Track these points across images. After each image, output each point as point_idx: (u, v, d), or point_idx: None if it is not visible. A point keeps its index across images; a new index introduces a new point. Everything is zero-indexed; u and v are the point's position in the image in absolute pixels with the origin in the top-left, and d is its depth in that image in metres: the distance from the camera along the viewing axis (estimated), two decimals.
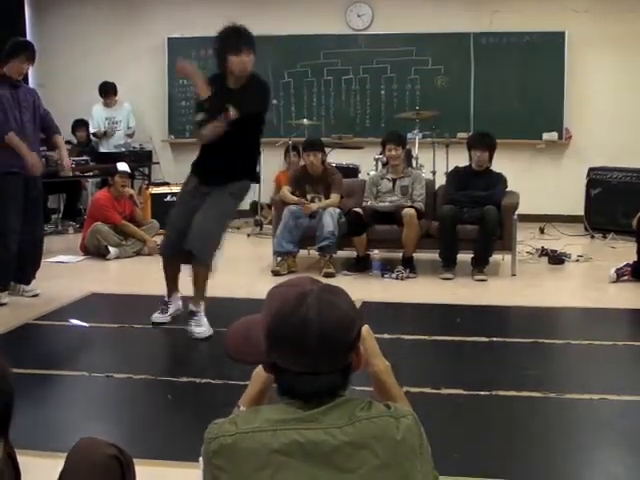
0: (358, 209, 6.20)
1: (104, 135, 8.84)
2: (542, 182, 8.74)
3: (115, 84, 8.85)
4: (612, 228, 7.63)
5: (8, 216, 5.05)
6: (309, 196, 6.48)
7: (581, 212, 8.10)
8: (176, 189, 8.43)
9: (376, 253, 6.38)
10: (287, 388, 1.41)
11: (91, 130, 8.96)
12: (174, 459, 2.74)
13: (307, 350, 1.36)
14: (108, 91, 8.81)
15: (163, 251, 4.61)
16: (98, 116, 8.90)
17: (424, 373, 3.78)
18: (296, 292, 1.41)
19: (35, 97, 5.31)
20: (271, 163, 9.06)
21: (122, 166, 7.27)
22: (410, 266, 6.11)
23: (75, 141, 9.06)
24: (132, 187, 8.85)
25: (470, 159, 6.31)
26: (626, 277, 5.76)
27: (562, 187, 8.66)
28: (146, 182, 8.95)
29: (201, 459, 1.45)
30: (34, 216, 5.29)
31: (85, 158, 8.31)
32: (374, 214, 6.18)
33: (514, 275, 6.11)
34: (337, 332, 1.38)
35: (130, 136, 9.06)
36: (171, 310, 4.63)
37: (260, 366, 1.68)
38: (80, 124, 9.01)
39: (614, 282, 5.77)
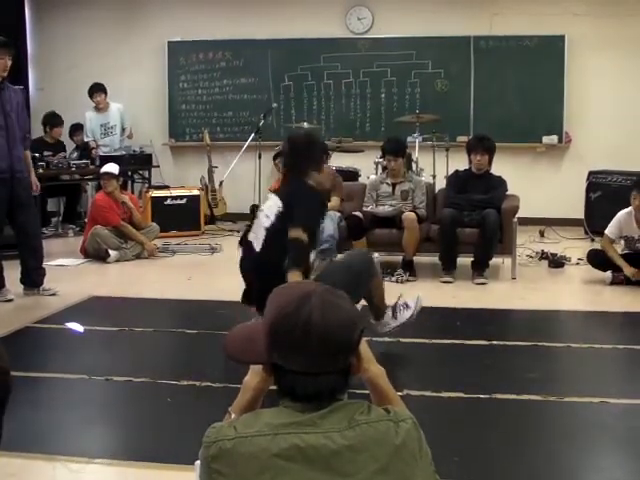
0: (358, 213, 6.21)
1: (96, 147, 8.79)
2: (542, 185, 8.75)
3: (102, 84, 8.66)
4: None
5: None
6: None
7: (581, 215, 8.10)
8: (176, 192, 8.47)
9: (376, 256, 6.36)
10: (287, 389, 1.41)
11: (85, 139, 8.88)
12: (173, 462, 2.74)
13: (309, 350, 1.36)
14: (94, 90, 8.61)
15: None
16: (92, 124, 8.75)
17: (424, 376, 3.78)
18: (299, 292, 1.42)
19: (20, 98, 5.32)
20: (270, 167, 9.09)
21: (108, 167, 7.19)
22: (410, 269, 6.11)
23: (73, 145, 9.06)
24: (132, 189, 8.87)
25: (470, 162, 6.32)
26: (622, 278, 5.80)
27: (562, 190, 8.67)
28: (146, 185, 8.95)
29: (197, 462, 1.45)
30: (26, 219, 5.31)
31: (85, 161, 8.31)
32: (374, 218, 6.18)
33: (514, 278, 6.11)
34: (340, 333, 1.39)
35: (129, 137, 9.01)
36: None
37: (250, 374, 1.68)
38: (78, 128, 8.99)
39: (610, 284, 5.81)
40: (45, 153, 8.10)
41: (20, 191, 5.24)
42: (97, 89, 8.65)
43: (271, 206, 3.77)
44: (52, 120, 8.56)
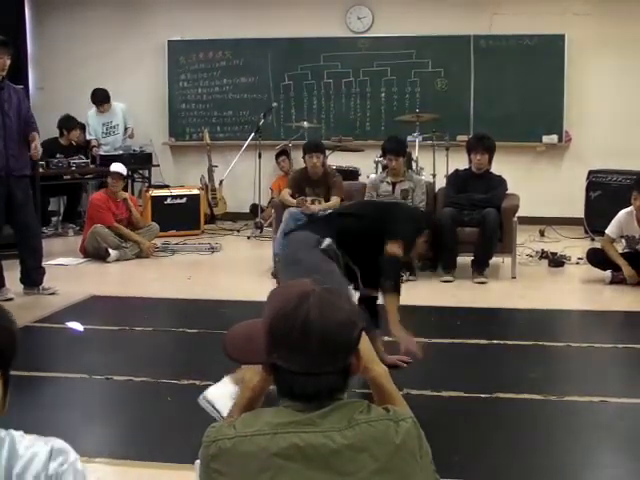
0: None
1: (97, 146, 8.78)
2: (542, 185, 8.74)
3: (106, 90, 8.69)
4: None
5: None
6: (309, 199, 6.49)
7: (581, 215, 8.10)
8: (176, 191, 8.47)
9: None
10: (287, 389, 1.41)
11: (87, 137, 8.90)
12: (173, 461, 2.74)
13: (308, 349, 1.36)
14: (100, 100, 8.65)
15: None
16: (94, 123, 8.79)
17: (424, 376, 3.77)
18: (298, 292, 1.41)
19: (20, 97, 5.30)
20: (270, 166, 9.09)
21: (116, 167, 7.22)
22: (410, 269, 6.10)
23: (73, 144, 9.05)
24: (131, 188, 8.87)
25: (470, 162, 6.32)
26: (622, 277, 5.81)
27: (562, 190, 8.66)
28: (146, 185, 8.95)
29: (197, 462, 1.45)
30: (25, 218, 5.30)
31: (85, 160, 8.31)
32: None
33: (514, 278, 6.11)
34: (339, 333, 1.38)
35: (130, 136, 9.01)
36: None
37: (249, 375, 1.68)
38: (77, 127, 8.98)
39: (610, 283, 5.81)
40: (57, 155, 8.10)
41: (17, 190, 5.23)
42: (102, 99, 8.63)
43: None
44: (68, 123, 8.55)
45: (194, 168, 9.36)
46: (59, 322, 4.72)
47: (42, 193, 7.30)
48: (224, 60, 9.44)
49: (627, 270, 5.78)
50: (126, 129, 8.90)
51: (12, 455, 1.23)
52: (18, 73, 8.13)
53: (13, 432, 1.28)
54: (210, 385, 3.60)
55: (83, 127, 8.96)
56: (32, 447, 1.26)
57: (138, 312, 5.15)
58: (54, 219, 8.74)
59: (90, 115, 8.78)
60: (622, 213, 5.95)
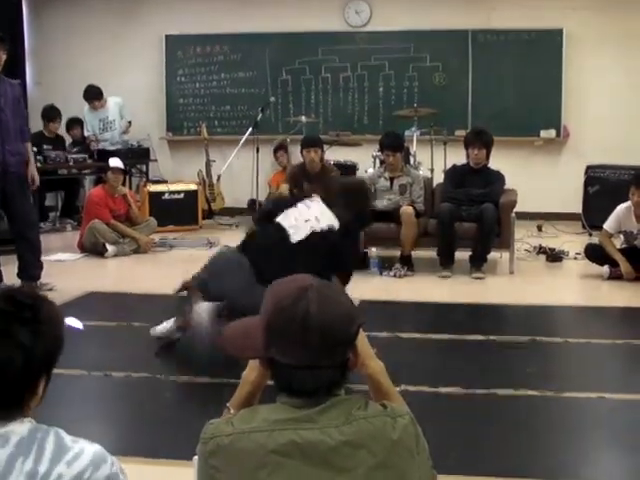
0: None
1: (95, 141, 8.77)
2: (540, 180, 8.74)
3: (99, 87, 8.64)
4: None
5: None
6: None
7: (579, 210, 8.11)
8: (174, 187, 8.46)
9: (374, 251, 6.38)
10: (285, 383, 1.41)
11: (85, 133, 8.89)
12: (171, 458, 2.74)
13: (307, 344, 1.36)
14: (92, 97, 8.60)
15: None
16: (90, 119, 8.77)
17: (421, 371, 3.78)
18: (296, 286, 1.41)
19: (17, 92, 5.28)
20: (268, 161, 9.09)
21: (114, 162, 7.20)
22: (408, 264, 6.11)
23: (70, 139, 9.04)
24: (129, 183, 8.85)
25: (467, 157, 6.31)
26: (619, 272, 5.81)
27: (560, 185, 8.67)
28: (144, 180, 8.94)
29: (195, 458, 1.45)
30: (22, 213, 5.29)
31: (83, 155, 8.29)
32: (372, 212, 6.17)
33: (512, 273, 6.11)
34: (337, 327, 1.38)
35: (125, 132, 8.98)
36: None
37: (249, 369, 1.68)
38: (74, 122, 8.96)
39: (607, 279, 5.81)
40: (45, 147, 8.08)
41: (13, 186, 5.21)
42: (94, 96, 8.58)
43: (324, 214, 3.87)
44: (48, 114, 8.54)
45: (192, 163, 9.34)
46: None
47: (39, 188, 7.28)
48: (222, 55, 9.42)
49: (625, 266, 5.79)
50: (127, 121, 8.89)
51: (59, 445, 1.37)
52: (15, 68, 8.11)
53: (55, 428, 1.37)
54: (208, 382, 3.62)
55: (81, 123, 8.95)
56: (78, 442, 1.40)
57: (136, 308, 5.14)
58: (52, 214, 8.73)
59: (85, 112, 8.76)
60: (620, 208, 5.95)
